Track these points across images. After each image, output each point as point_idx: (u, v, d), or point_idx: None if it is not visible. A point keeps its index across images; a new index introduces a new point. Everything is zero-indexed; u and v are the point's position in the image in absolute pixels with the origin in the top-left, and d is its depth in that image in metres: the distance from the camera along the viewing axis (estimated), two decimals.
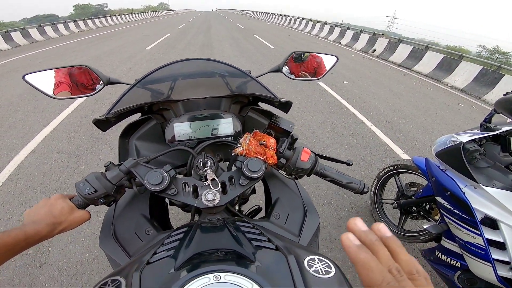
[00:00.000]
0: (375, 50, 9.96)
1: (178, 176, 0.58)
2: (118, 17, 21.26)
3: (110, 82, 0.76)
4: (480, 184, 1.12)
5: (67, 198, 0.54)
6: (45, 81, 0.72)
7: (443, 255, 1.35)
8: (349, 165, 0.68)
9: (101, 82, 0.75)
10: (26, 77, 0.70)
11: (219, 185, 0.54)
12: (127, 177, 0.55)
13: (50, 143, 2.93)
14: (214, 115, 0.70)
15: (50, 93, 0.73)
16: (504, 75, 5.96)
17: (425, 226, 1.42)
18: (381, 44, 9.92)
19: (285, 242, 0.47)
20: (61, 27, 13.08)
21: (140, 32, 13.77)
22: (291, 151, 0.62)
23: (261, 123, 0.76)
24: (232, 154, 0.59)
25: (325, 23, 15.23)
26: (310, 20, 17.34)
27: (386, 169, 1.89)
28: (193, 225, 0.50)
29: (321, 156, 0.67)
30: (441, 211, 1.31)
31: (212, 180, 0.54)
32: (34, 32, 11.06)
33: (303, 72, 0.94)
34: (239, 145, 0.59)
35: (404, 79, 6.88)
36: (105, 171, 0.55)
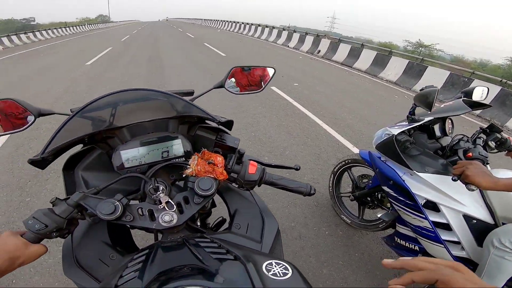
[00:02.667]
0: (319, 51, 10.66)
1: (132, 202, 0.59)
2: (49, 31, 19.18)
3: (41, 114, 0.71)
4: (415, 171, 1.23)
5: (18, 234, 0.51)
6: None
7: (401, 240, 1.43)
8: (296, 169, 0.71)
9: (30, 116, 0.70)
10: None
11: (174, 206, 0.57)
12: (77, 210, 0.54)
13: None
14: (162, 138, 0.69)
15: None
16: (428, 66, 6.86)
17: (378, 215, 1.51)
18: (324, 45, 10.65)
19: (244, 251, 0.50)
20: None
21: (78, 46, 12.66)
22: (240, 165, 0.65)
23: (210, 140, 0.77)
24: (183, 176, 0.62)
25: (273, 27, 15.82)
26: (259, 25, 17.81)
27: (339, 164, 1.98)
28: (154, 246, 0.53)
29: (269, 165, 0.70)
30: (389, 199, 1.39)
31: (167, 202, 0.56)
32: None
33: (247, 85, 0.94)
34: (188, 166, 0.61)
35: (346, 77, 7.48)
36: (53, 206, 0.54)
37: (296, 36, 12.85)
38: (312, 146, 3.23)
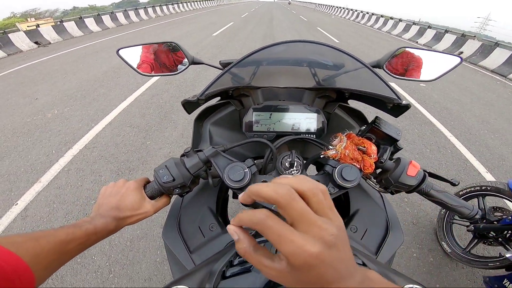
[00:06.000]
0: (461, 53, 8.60)
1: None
2: (189, 3, 23.03)
3: (194, 62, 0.75)
4: None
5: (141, 188, 0.52)
6: (134, 56, 0.76)
7: (510, 284, 1.33)
8: (454, 185, 0.59)
9: (185, 61, 0.75)
10: (120, 52, 0.75)
11: None
12: (205, 166, 0.51)
13: (125, 117, 3.25)
14: (297, 108, 0.63)
15: (140, 68, 0.76)
16: None
17: (507, 255, 1.37)
18: (470, 47, 8.53)
19: (375, 264, 0.42)
20: (141, 12, 14.58)
21: (207, 20, 14.45)
22: (393, 162, 0.55)
23: (349, 124, 0.68)
24: (321, 156, 0.52)
25: (400, 20, 13.71)
26: (382, 16, 15.80)
27: (469, 189, 1.69)
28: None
29: (427, 172, 0.58)
30: None
31: None
32: (120, 16, 12.51)
33: (411, 71, 0.79)
34: (331, 147, 0.51)
35: (497, 87, 5.78)
36: (183, 156, 0.52)
37: (430, 33, 10.72)
38: (431, 159, 2.73)
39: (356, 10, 20.07)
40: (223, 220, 0.64)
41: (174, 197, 0.57)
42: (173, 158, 0.51)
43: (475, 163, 2.74)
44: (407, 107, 0.59)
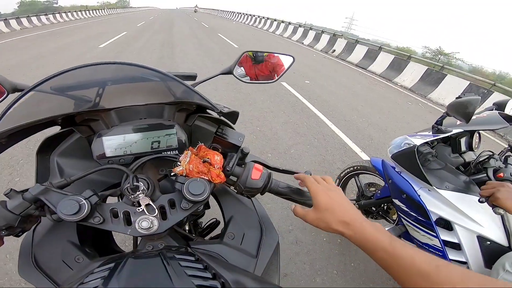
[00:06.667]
0: (334, 51, 10.40)
1: (110, 197, 0.52)
2: (69, 14, 19.35)
3: (16, 90, 0.62)
4: (434, 187, 1.14)
5: None
6: None
7: None
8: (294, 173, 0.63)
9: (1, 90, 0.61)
10: None
11: (156, 210, 0.48)
12: (36, 205, 0.46)
13: None
14: (154, 125, 0.59)
15: None
16: (447, 75, 6.58)
17: (386, 229, 1.42)
18: (340, 45, 10.38)
19: (234, 274, 0.44)
20: (0, 24, 11.43)
21: (94, 30, 12.68)
22: (242, 167, 0.56)
23: (210, 132, 0.67)
24: (171, 174, 0.52)
25: (289, 23, 15.55)
26: (275, 20, 17.57)
27: (346, 170, 1.90)
28: (126, 255, 0.45)
29: (276, 169, 0.61)
30: (398, 213, 1.32)
31: (147, 205, 0.48)
32: None
33: (259, 74, 0.86)
34: (179, 163, 0.51)
35: (360, 79, 7.25)
36: (8, 199, 0.46)
37: (311, 34, 12.58)
38: (319, 147, 3.13)
39: (254, 16, 21.62)
40: (95, 245, 0.59)
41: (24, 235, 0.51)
42: None
43: (352, 146, 3.28)
44: (234, 113, 0.62)
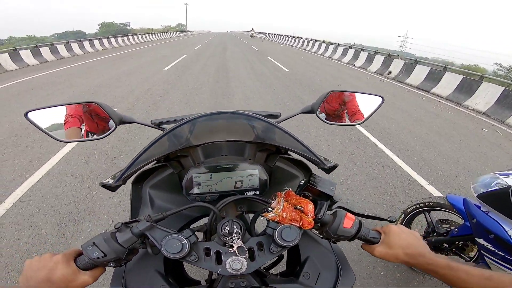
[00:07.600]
0: (390, 72, 9.87)
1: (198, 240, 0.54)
2: (139, 36, 22.58)
3: (122, 122, 0.68)
4: None
5: (71, 260, 0.49)
6: (47, 119, 0.66)
7: None
8: (391, 222, 0.62)
9: (111, 122, 0.67)
10: (29, 115, 0.63)
11: (247, 252, 0.51)
12: (140, 239, 0.50)
13: (64, 166, 2.91)
14: (238, 166, 0.63)
15: (56, 134, 0.66)
16: None
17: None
18: (396, 66, 9.84)
19: None
20: (86, 44, 13.74)
21: (159, 52, 14.37)
22: (330, 215, 0.57)
23: (292, 175, 0.70)
24: (262, 218, 0.55)
25: (339, 44, 15.40)
26: (323, 42, 17.60)
27: (415, 205, 1.81)
28: None
29: (361, 215, 0.61)
30: (482, 251, 1.30)
31: (239, 247, 0.51)
32: (61, 48, 11.61)
33: (343, 114, 0.84)
34: (270, 209, 0.54)
35: (423, 103, 6.68)
36: (115, 231, 0.51)
37: (363, 55, 12.22)
38: (378, 179, 2.93)
39: (301, 38, 22.09)
40: (177, 278, 0.62)
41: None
42: (103, 234, 0.50)
43: (417, 178, 3.01)
44: (334, 167, 0.62)
